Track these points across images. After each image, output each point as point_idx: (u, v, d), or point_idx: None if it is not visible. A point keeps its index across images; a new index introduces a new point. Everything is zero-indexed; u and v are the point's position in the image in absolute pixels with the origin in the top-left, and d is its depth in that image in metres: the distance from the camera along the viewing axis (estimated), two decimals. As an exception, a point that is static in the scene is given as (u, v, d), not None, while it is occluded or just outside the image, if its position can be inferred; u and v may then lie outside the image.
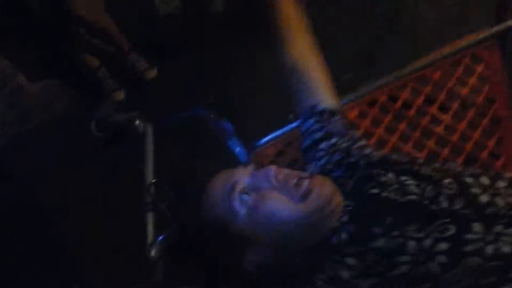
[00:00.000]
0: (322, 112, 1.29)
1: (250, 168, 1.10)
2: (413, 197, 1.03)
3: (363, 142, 1.27)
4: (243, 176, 1.06)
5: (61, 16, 3.05)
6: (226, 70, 3.26)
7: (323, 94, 1.31)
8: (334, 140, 1.26)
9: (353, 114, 1.63)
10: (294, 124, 1.62)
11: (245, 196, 1.03)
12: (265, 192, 1.02)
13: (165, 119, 1.89)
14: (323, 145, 1.27)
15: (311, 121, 1.30)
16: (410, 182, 1.06)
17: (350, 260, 0.97)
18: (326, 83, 1.33)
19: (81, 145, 2.99)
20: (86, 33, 3.19)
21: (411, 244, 0.95)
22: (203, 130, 1.77)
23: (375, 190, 1.06)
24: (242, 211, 1.02)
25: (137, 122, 1.86)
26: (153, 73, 3.40)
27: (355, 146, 1.24)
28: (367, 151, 1.22)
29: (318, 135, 1.29)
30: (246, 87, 3.11)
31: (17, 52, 3.31)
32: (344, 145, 1.25)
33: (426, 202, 1.01)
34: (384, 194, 1.05)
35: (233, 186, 1.04)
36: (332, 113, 1.30)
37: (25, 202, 2.98)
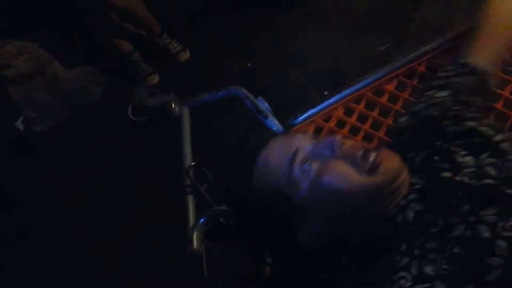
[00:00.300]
0: (464, 65, 1.20)
1: (310, 135, 1.02)
2: (490, 181, 0.96)
3: (468, 109, 1.15)
4: (304, 144, 0.98)
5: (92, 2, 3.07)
6: (260, 49, 3.24)
7: (483, 54, 1.21)
8: (444, 93, 1.17)
9: (391, 87, 1.59)
10: (331, 100, 1.59)
11: (307, 166, 0.94)
12: (329, 162, 0.94)
13: (201, 100, 1.89)
14: (431, 92, 1.19)
15: (450, 67, 1.22)
16: (489, 160, 0.99)
17: (432, 255, 0.89)
18: (497, 49, 1.23)
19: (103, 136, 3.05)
20: (118, 17, 3.20)
21: (501, 244, 0.86)
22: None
23: (448, 174, 0.99)
24: (303, 181, 0.95)
25: (173, 105, 1.86)
26: (186, 55, 3.40)
27: (454, 108, 1.13)
28: (464, 115, 1.12)
29: (438, 82, 1.21)
30: (281, 65, 3.09)
31: (51, 41, 3.35)
32: (448, 104, 1.15)
33: (503, 187, 0.94)
34: (458, 178, 0.97)
35: (294, 154, 0.96)
36: (473, 71, 1.19)
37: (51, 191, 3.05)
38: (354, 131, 1.56)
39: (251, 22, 3.35)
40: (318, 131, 1.57)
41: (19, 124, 3.07)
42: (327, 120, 1.58)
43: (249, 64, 3.21)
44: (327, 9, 3.25)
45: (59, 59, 3.41)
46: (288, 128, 1.57)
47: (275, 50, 3.19)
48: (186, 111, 1.80)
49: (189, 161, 1.61)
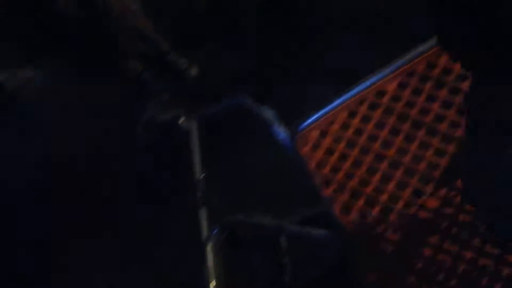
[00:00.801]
0: None
1: None
2: None
3: None
4: None
5: (101, 20, 3.12)
6: (266, 58, 3.26)
7: None
8: None
9: (393, 86, 1.60)
10: (335, 103, 1.61)
11: None
12: None
13: (208, 111, 1.91)
14: None
15: None
16: None
17: None
18: None
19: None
20: (127, 37, 3.24)
21: None
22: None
23: None
24: None
25: (181, 120, 1.90)
26: (194, 71, 3.42)
27: None
28: None
29: None
30: (286, 71, 3.10)
31: (62, 65, 3.41)
32: None
33: None
34: None
35: None
36: None
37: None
38: (358, 133, 1.58)
39: (261, 30, 3.37)
40: (323, 134, 1.59)
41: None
42: (331, 123, 1.60)
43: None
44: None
45: (71, 82, 3.46)
46: (293, 134, 1.59)
47: (282, 58, 3.20)
48: (194, 125, 1.84)
49: (199, 173, 1.64)
